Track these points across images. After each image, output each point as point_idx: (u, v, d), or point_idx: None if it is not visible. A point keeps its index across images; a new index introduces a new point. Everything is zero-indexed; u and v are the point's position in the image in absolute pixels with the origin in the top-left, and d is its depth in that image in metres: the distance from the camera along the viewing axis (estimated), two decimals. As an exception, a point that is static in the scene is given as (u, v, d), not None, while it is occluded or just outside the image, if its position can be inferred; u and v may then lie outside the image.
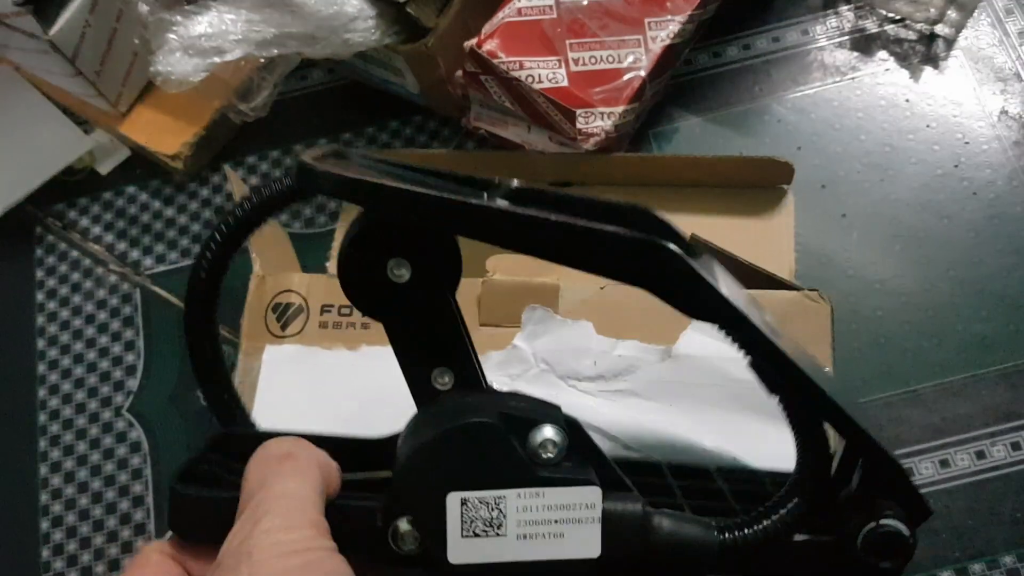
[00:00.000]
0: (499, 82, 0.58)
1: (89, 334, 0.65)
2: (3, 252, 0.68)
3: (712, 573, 0.34)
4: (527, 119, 0.60)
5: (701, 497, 0.40)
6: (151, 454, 0.61)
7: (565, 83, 0.57)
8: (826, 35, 0.67)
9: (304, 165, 0.33)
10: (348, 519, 0.33)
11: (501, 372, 0.48)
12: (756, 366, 0.32)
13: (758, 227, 0.59)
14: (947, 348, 0.57)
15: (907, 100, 0.64)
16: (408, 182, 0.32)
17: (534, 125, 0.60)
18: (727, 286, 0.32)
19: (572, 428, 0.33)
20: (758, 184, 0.60)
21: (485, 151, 0.65)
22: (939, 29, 0.65)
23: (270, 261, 0.55)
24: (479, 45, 0.57)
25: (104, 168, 0.69)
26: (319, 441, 0.35)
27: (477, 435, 0.33)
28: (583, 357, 0.47)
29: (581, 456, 0.33)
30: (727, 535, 0.34)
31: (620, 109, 0.58)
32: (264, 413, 0.48)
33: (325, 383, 0.49)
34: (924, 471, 0.55)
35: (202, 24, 0.56)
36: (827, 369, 0.45)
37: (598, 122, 0.57)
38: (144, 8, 0.58)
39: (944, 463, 0.55)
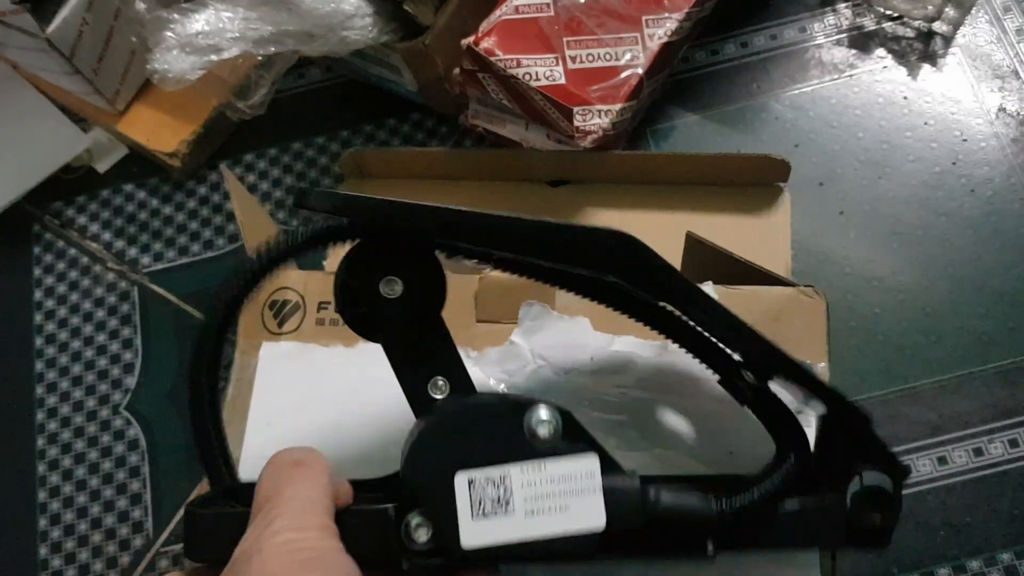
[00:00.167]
0: (496, 80, 0.58)
1: (87, 332, 0.65)
2: (1, 250, 0.68)
3: (712, 542, 0.36)
4: (525, 117, 0.60)
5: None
6: (149, 452, 0.61)
7: (562, 81, 0.57)
8: (824, 33, 0.67)
9: (301, 188, 0.37)
10: (361, 524, 0.35)
11: (498, 368, 0.48)
12: (721, 338, 0.36)
13: (755, 224, 0.59)
14: (945, 345, 0.57)
15: (905, 97, 0.64)
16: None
17: (532, 123, 0.60)
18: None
19: (564, 415, 0.35)
20: (755, 181, 0.60)
21: (482, 149, 0.65)
22: (937, 26, 0.65)
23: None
24: (476, 43, 0.57)
25: (102, 166, 0.70)
26: None
27: (477, 415, 0.36)
28: (580, 353, 0.47)
29: (575, 437, 0.35)
30: (724, 502, 0.36)
31: (617, 107, 0.58)
32: (261, 410, 0.48)
33: (322, 380, 0.49)
34: (922, 468, 0.55)
35: (199, 22, 0.56)
36: (822, 365, 0.45)
37: (595, 120, 0.57)
38: (141, 6, 0.58)
39: (942, 460, 0.55)
